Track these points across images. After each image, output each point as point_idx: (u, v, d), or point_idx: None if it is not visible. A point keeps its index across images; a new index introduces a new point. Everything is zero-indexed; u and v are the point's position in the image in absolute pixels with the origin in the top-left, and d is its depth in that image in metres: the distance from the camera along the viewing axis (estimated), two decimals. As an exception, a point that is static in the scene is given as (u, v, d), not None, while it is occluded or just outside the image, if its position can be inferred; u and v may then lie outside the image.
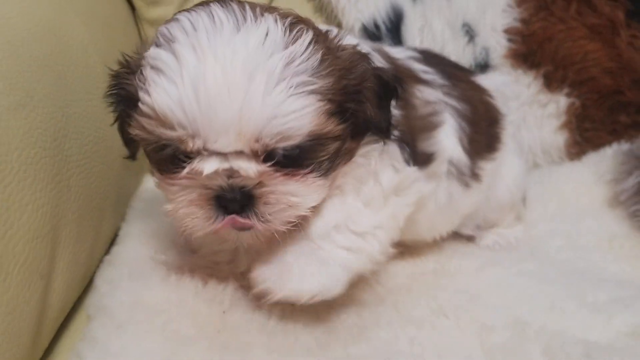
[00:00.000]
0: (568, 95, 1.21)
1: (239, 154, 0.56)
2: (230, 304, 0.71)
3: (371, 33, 1.15)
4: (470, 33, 1.19)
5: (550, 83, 1.21)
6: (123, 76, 0.60)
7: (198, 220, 0.59)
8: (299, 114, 0.55)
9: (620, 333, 0.68)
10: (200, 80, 0.52)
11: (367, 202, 0.68)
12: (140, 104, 0.55)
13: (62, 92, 0.73)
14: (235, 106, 0.53)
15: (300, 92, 0.55)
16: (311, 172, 0.60)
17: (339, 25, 1.16)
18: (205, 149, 0.55)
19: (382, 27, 1.16)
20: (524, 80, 1.21)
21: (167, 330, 0.63)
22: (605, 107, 1.21)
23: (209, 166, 0.56)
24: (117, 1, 1.11)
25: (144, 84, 0.55)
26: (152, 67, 0.55)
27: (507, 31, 1.20)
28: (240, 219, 0.58)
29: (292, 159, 0.58)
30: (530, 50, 1.20)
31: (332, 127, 0.59)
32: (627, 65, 1.21)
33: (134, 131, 0.58)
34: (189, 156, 0.57)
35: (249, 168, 0.56)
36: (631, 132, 1.20)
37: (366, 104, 0.62)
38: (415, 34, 1.17)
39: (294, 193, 0.60)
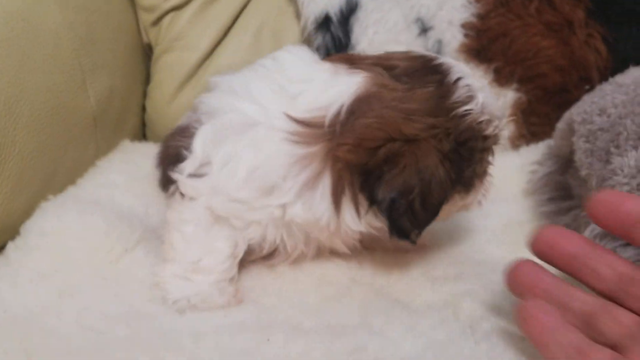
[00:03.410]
0: (516, 90, 1.27)
1: None
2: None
3: (322, 24, 1.28)
4: (423, 26, 1.28)
5: (500, 78, 1.27)
6: (449, 150, 0.71)
7: None
8: None
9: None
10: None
11: None
12: (494, 132, 0.77)
13: (24, 67, 0.93)
14: None
15: None
16: None
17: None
18: None
19: (334, 19, 1.28)
20: (475, 74, 1.27)
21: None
22: (552, 104, 1.26)
23: None
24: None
25: (488, 122, 0.74)
26: (487, 108, 0.74)
27: (464, 26, 1.28)
28: None
29: None
30: (483, 45, 1.27)
31: None
32: (578, 63, 1.25)
33: (488, 162, 0.81)
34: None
35: None
36: (577, 128, 1.25)
37: None
38: (370, 25, 1.28)
39: None
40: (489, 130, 0.75)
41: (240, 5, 1.38)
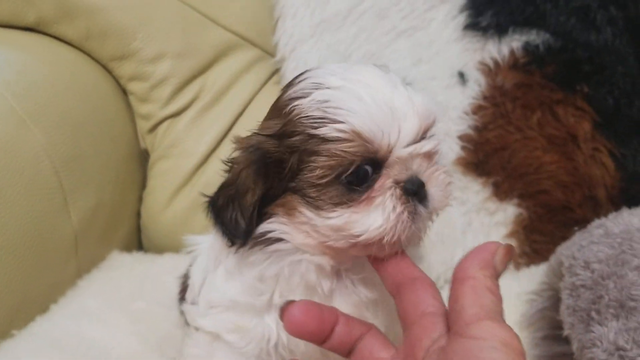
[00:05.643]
0: (517, 205, 1.20)
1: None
2: None
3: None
4: (417, 140, 1.23)
5: (499, 192, 1.21)
6: (266, 145, 0.66)
7: (407, 218, 0.64)
8: (433, 105, 0.67)
9: None
10: (374, 94, 0.64)
11: None
12: (333, 135, 0.62)
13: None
14: (407, 101, 0.64)
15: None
16: None
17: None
18: (394, 149, 0.64)
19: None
20: (473, 188, 1.22)
21: None
22: (555, 222, 1.19)
23: (405, 150, 0.64)
24: (111, 96, 1.32)
25: (325, 120, 0.63)
26: (332, 104, 0.63)
27: (461, 138, 1.23)
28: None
29: None
30: (480, 159, 1.22)
31: None
32: (582, 181, 1.18)
33: (319, 170, 0.63)
34: (375, 166, 0.65)
35: (429, 144, 0.66)
36: (584, 249, 1.16)
37: None
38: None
39: (444, 171, 0.69)
40: (323, 131, 0.63)
41: (238, 110, 1.37)
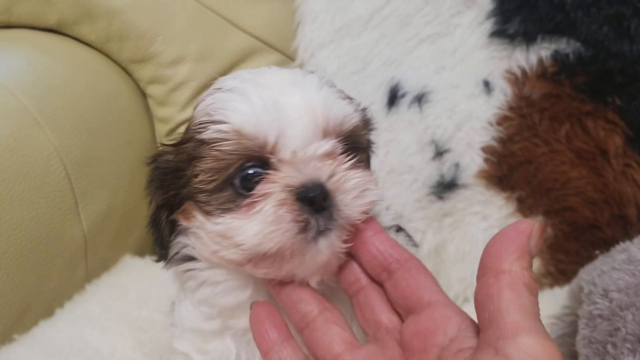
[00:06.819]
0: (543, 223, 1.14)
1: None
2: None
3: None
4: (437, 149, 1.18)
5: (523, 208, 1.15)
6: (165, 155, 0.66)
7: (290, 226, 0.58)
8: (346, 107, 0.63)
9: None
10: (263, 93, 0.61)
11: None
12: (213, 137, 0.60)
13: (3, 203, 0.93)
14: (300, 100, 0.60)
15: (342, 96, 0.65)
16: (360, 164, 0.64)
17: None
18: (278, 149, 0.60)
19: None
20: (496, 202, 1.17)
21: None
22: (582, 241, 1.12)
23: (291, 152, 0.60)
24: (131, 99, 1.32)
25: (209, 123, 0.61)
26: (216, 106, 0.61)
27: (484, 150, 1.18)
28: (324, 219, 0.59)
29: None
30: (504, 172, 1.16)
31: (365, 134, 0.67)
32: (611, 198, 1.11)
33: (203, 173, 0.61)
34: (264, 168, 0.61)
35: (325, 145, 0.60)
36: (612, 271, 1.10)
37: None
38: (381, 146, 1.20)
39: (361, 176, 0.62)
40: (206, 134, 0.61)
41: (256, 116, 1.35)
